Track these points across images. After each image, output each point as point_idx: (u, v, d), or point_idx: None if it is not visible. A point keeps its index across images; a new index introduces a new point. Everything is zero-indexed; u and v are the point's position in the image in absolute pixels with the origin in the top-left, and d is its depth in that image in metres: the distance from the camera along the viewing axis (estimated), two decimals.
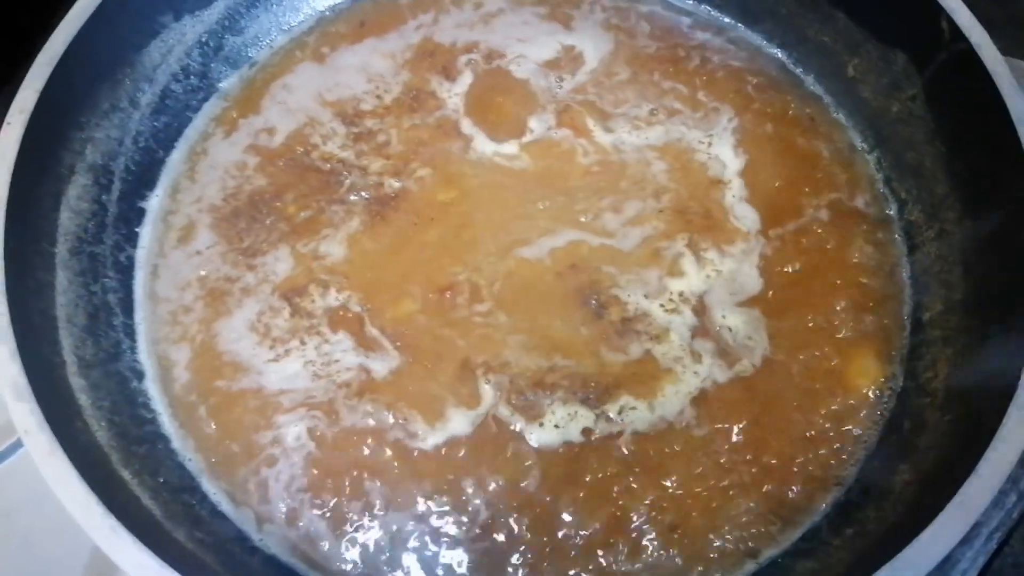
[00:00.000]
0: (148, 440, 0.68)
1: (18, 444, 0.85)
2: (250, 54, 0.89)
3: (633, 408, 0.70)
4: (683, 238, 0.78)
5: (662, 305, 0.75)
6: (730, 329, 0.73)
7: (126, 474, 0.62)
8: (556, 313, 0.74)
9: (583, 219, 0.79)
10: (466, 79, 0.86)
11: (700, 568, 0.65)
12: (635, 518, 0.66)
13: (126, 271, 0.77)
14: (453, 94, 0.85)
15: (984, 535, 0.97)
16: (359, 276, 0.75)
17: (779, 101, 0.86)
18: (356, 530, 0.66)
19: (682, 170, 0.82)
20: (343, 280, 0.75)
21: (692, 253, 0.77)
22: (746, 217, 0.79)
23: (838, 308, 0.74)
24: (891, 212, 0.79)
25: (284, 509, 0.67)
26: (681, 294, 0.75)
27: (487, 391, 0.71)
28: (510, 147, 0.82)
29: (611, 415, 0.70)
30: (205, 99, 0.86)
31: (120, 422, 0.66)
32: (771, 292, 0.75)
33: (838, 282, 0.75)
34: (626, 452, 0.68)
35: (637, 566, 0.65)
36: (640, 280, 0.76)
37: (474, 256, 0.76)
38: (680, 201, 0.80)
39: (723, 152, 0.82)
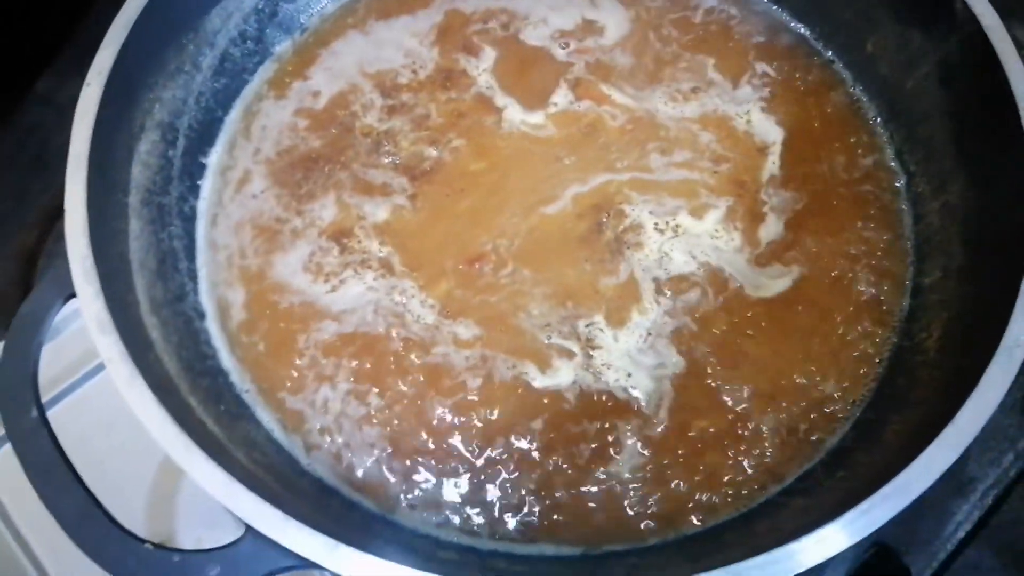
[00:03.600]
0: (210, 374, 0.76)
1: (90, 374, 0.94)
2: (302, 20, 0.95)
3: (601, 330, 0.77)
4: (727, 200, 0.83)
5: (656, 224, 0.81)
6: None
7: (193, 401, 0.70)
8: (568, 260, 0.80)
9: (619, 164, 0.85)
10: (489, 55, 0.91)
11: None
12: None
13: (189, 220, 0.84)
14: (482, 70, 0.90)
15: (980, 491, 1.03)
16: (399, 249, 0.82)
17: (803, 75, 0.90)
18: (406, 461, 0.74)
19: (730, 139, 0.86)
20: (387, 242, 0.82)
21: (727, 218, 0.82)
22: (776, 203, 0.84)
23: (845, 273, 0.80)
24: (900, 184, 0.84)
25: (329, 438, 0.75)
26: (679, 227, 0.81)
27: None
28: (537, 117, 0.88)
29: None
30: (260, 63, 0.92)
31: (186, 356, 0.74)
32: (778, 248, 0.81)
33: (846, 249, 0.81)
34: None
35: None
36: (657, 201, 0.83)
37: (499, 221, 0.82)
38: (737, 173, 0.85)
39: (759, 123, 0.87)
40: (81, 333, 0.92)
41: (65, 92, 0.97)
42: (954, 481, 0.96)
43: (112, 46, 0.74)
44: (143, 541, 0.59)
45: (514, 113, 0.88)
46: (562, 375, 0.76)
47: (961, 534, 1.01)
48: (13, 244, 1.28)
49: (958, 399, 0.61)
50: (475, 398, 0.75)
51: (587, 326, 0.78)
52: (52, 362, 0.93)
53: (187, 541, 0.85)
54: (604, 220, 0.81)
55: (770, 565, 0.56)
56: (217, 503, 0.58)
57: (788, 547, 0.57)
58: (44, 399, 0.90)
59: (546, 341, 0.77)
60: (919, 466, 0.59)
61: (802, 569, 0.57)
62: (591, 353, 0.77)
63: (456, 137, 0.86)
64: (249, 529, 0.59)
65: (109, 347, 0.64)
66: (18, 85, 1.40)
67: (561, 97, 0.89)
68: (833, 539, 0.57)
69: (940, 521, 0.97)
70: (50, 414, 0.90)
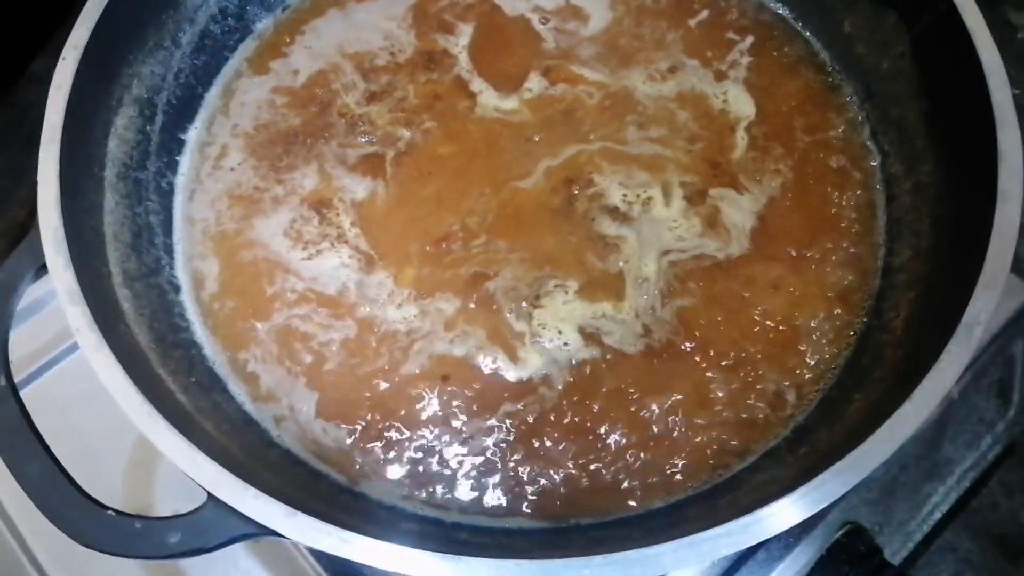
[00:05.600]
0: (182, 346, 0.77)
1: (70, 349, 0.95)
2: None
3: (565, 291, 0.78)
4: (692, 178, 0.83)
5: (624, 195, 0.81)
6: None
7: (162, 372, 0.71)
8: (547, 230, 0.81)
9: (592, 136, 0.85)
10: (466, 31, 0.91)
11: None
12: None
13: (166, 195, 0.85)
14: (460, 47, 0.90)
15: (957, 473, 1.02)
16: (366, 232, 0.82)
17: (781, 55, 0.90)
18: (374, 434, 0.74)
19: (706, 118, 0.86)
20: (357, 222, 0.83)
21: (686, 198, 0.82)
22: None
23: (819, 252, 0.80)
24: (875, 164, 0.83)
25: (295, 404, 0.76)
26: (650, 199, 0.81)
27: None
28: (511, 102, 0.88)
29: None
30: (241, 40, 0.93)
31: (159, 328, 0.75)
32: (752, 234, 0.81)
33: (820, 228, 0.81)
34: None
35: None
36: (626, 173, 0.83)
37: (467, 202, 0.82)
38: (712, 154, 0.84)
39: (736, 102, 0.87)
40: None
41: None
42: (928, 463, 0.96)
43: (88, 22, 0.75)
44: (105, 507, 0.60)
45: (488, 98, 0.88)
46: (531, 364, 0.76)
47: (937, 515, 1.01)
48: (7, 220, 1.30)
49: (917, 376, 0.62)
50: (443, 377, 0.76)
51: (556, 286, 0.78)
52: (33, 337, 0.94)
53: (164, 513, 0.86)
54: (576, 192, 0.82)
55: (722, 537, 0.57)
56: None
57: (742, 519, 0.57)
58: (25, 373, 0.92)
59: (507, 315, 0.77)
60: (874, 442, 0.59)
61: (755, 541, 0.58)
62: (532, 314, 0.77)
63: (429, 119, 0.87)
64: (210, 497, 0.60)
65: (78, 317, 0.65)
66: (14, 65, 1.41)
67: (535, 83, 0.89)
68: (785, 513, 0.57)
69: (915, 502, 0.97)
70: (31, 388, 0.93)
